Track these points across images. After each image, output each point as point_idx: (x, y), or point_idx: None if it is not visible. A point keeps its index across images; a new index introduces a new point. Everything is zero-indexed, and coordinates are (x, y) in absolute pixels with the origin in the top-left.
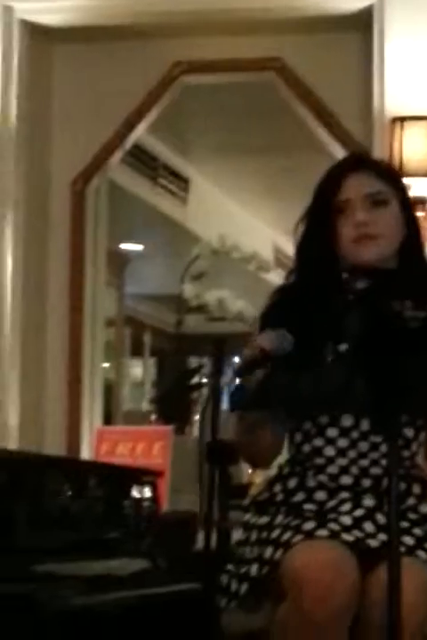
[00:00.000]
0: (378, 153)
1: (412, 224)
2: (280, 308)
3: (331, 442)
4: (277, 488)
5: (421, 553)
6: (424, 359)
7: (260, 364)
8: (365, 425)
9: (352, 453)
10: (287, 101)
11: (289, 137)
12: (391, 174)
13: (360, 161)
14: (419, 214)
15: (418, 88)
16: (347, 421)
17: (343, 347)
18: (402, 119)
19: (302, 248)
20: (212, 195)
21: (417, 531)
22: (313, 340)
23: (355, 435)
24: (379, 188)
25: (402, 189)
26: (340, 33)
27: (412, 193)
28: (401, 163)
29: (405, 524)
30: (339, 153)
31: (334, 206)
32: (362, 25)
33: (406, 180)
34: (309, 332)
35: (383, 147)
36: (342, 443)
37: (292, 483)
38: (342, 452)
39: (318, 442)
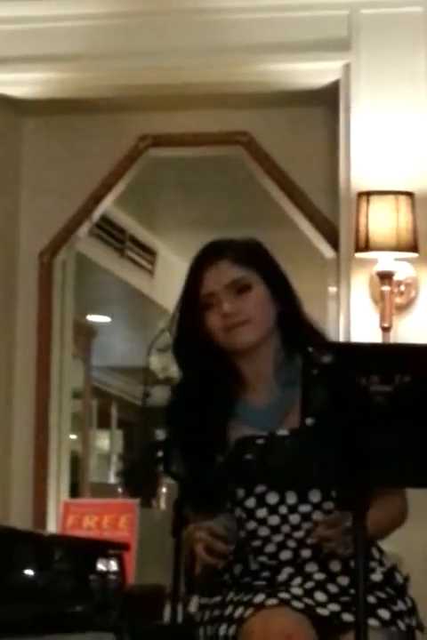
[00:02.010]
0: (345, 227)
1: (285, 294)
2: (178, 407)
3: (262, 522)
4: (226, 575)
5: (373, 621)
6: (390, 434)
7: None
8: (291, 499)
9: (286, 528)
10: (254, 175)
11: (256, 211)
12: (250, 254)
13: (217, 250)
14: (385, 289)
15: (384, 163)
16: (272, 499)
17: (309, 421)
18: (368, 194)
19: (177, 347)
20: (179, 268)
21: (370, 598)
22: (213, 428)
23: (283, 510)
24: (239, 275)
25: (263, 267)
26: (307, 108)
27: (378, 267)
28: (368, 237)
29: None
30: (306, 227)
31: (199, 301)
32: (329, 100)
33: (373, 255)
34: (212, 420)
35: (350, 221)
36: (273, 520)
37: (237, 569)
38: (275, 530)
39: (251, 525)
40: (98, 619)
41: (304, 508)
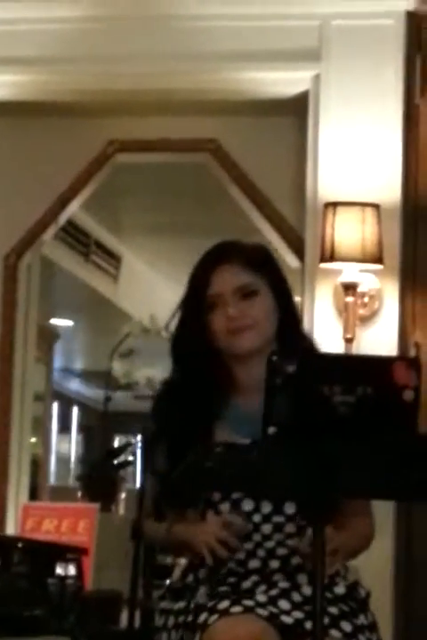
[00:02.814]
0: (311, 237)
1: (287, 306)
2: (166, 403)
3: None
4: (190, 578)
5: (335, 632)
6: (353, 445)
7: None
8: (266, 508)
9: (257, 537)
10: (221, 183)
11: (223, 218)
12: (259, 261)
13: (228, 252)
14: (349, 300)
15: (351, 174)
16: (247, 506)
17: (272, 430)
18: (334, 204)
19: (176, 345)
20: (143, 273)
21: (332, 609)
22: (200, 428)
23: (257, 518)
24: (247, 280)
25: (271, 274)
26: (275, 117)
27: (343, 278)
28: (333, 248)
29: None
30: (272, 236)
31: (205, 301)
32: (297, 110)
33: (338, 266)
34: (200, 421)
35: (316, 231)
36: None
37: (202, 572)
38: (246, 537)
39: None
40: (55, 622)
41: (278, 519)
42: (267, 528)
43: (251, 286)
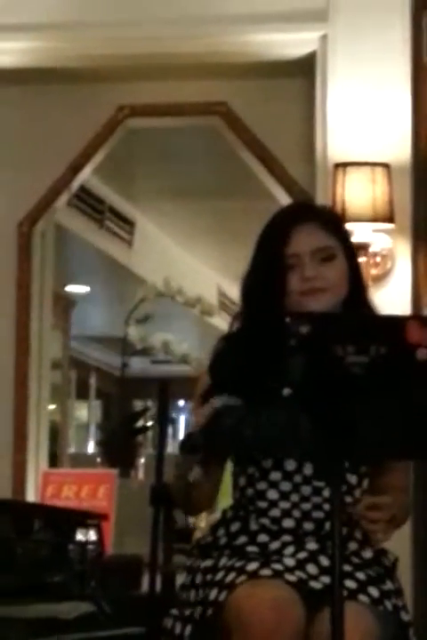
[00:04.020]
0: (321, 198)
1: (357, 274)
2: (228, 356)
3: (274, 485)
4: (221, 532)
5: (363, 597)
6: (367, 405)
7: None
8: (307, 469)
9: (295, 497)
10: (232, 145)
11: (234, 181)
12: (336, 224)
13: (306, 211)
14: (361, 260)
15: (360, 134)
16: (290, 465)
17: (287, 391)
18: (345, 165)
19: (249, 298)
20: (157, 238)
21: (360, 575)
22: (261, 388)
23: (298, 479)
24: (326, 243)
25: (346, 239)
26: (284, 78)
27: (354, 239)
28: (344, 208)
29: (348, 568)
30: (283, 197)
31: (282, 259)
32: (305, 71)
33: (348, 226)
34: (256, 381)
35: (326, 192)
36: (285, 486)
37: (234, 526)
38: (284, 496)
39: (262, 485)
40: (76, 588)
41: (318, 482)
42: (306, 490)
43: (329, 250)
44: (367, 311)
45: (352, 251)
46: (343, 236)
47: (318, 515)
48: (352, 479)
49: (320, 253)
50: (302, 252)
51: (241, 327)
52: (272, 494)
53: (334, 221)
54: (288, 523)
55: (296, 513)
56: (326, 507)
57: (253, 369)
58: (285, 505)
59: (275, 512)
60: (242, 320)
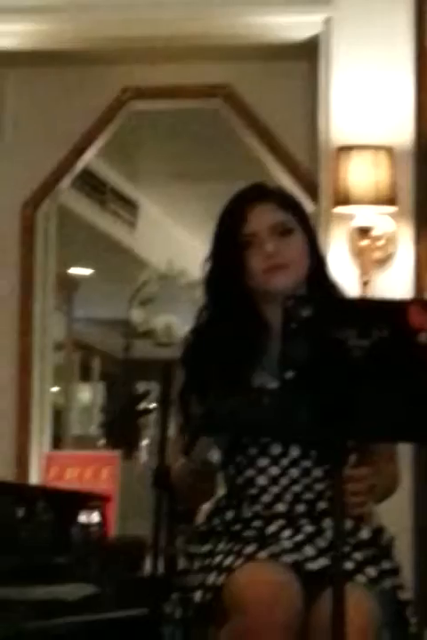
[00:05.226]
0: (324, 181)
1: (316, 251)
2: (199, 349)
3: (262, 471)
4: (216, 521)
5: (360, 577)
6: (368, 388)
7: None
8: (294, 452)
9: (284, 481)
10: (235, 128)
11: (237, 163)
12: (291, 201)
13: (262, 191)
14: (364, 243)
15: (364, 117)
16: (276, 450)
17: (288, 374)
18: (348, 148)
19: (211, 284)
20: (160, 220)
21: (357, 555)
22: (239, 372)
23: (285, 462)
24: (284, 218)
25: (303, 215)
26: (287, 61)
27: (357, 222)
28: (346, 191)
29: (344, 549)
30: (285, 180)
31: (240, 239)
32: (309, 54)
33: (351, 209)
34: (233, 365)
35: (329, 175)
36: (273, 471)
37: (229, 515)
38: (274, 480)
39: (250, 472)
40: (79, 570)
41: (306, 463)
42: (294, 472)
43: (287, 224)
44: (331, 288)
45: (309, 226)
46: (300, 212)
47: (309, 496)
48: None
49: (278, 228)
50: (260, 230)
51: (208, 317)
52: (261, 480)
53: (288, 199)
54: (281, 507)
55: (287, 496)
56: (317, 487)
57: (227, 354)
58: (275, 489)
59: (266, 498)
60: (208, 309)
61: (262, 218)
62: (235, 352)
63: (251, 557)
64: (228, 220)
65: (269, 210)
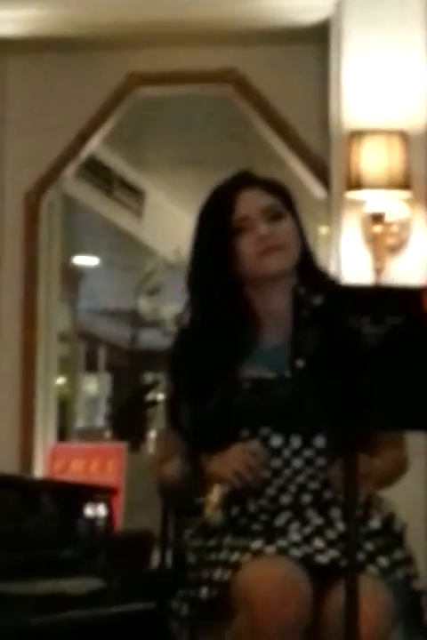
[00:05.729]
0: (336, 167)
1: (303, 237)
2: (190, 348)
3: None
4: (221, 516)
5: (372, 568)
6: (382, 376)
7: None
8: (295, 442)
9: (287, 472)
10: (244, 114)
11: (246, 150)
12: (279, 187)
13: (248, 178)
14: (377, 229)
15: (376, 101)
16: (276, 441)
17: (300, 363)
18: (360, 133)
19: (197, 278)
20: (167, 208)
21: (368, 545)
22: (230, 367)
23: (286, 454)
24: (273, 202)
25: (291, 202)
26: (297, 45)
27: (370, 208)
28: (359, 176)
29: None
30: (296, 166)
31: (230, 226)
32: (319, 38)
33: (364, 194)
34: (224, 362)
35: (341, 160)
36: (276, 463)
37: (234, 511)
38: (277, 473)
39: None
40: (85, 563)
41: (308, 453)
42: (298, 462)
43: (277, 207)
44: (321, 276)
45: (297, 213)
46: (287, 199)
47: (314, 486)
48: (320, 442)
49: (269, 211)
50: (251, 213)
51: (196, 316)
52: (264, 473)
53: (275, 184)
54: (286, 499)
55: (292, 487)
56: (322, 476)
57: (213, 355)
58: (279, 481)
59: (271, 491)
60: (196, 304)
61: (252, 202)
62: (225, 348)
63: (258, 553)
64: (213, 209)
65: (257, 194)
